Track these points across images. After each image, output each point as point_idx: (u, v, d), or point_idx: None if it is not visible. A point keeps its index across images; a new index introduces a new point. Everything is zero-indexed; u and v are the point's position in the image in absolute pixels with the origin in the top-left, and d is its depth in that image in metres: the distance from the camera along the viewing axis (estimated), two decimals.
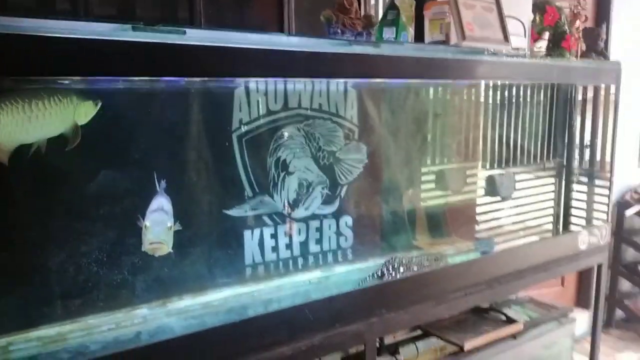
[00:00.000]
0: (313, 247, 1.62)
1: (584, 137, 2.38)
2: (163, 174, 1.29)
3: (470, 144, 1.99)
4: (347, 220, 1.68)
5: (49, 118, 1.10)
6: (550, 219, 2.35)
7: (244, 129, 1.46)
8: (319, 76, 1.51)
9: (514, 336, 2.01)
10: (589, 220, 2.36)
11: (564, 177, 2.39)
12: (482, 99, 2.00)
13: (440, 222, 1.98)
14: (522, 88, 2.09)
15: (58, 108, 1.11)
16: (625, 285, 4.04)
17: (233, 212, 1.46)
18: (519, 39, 2.07)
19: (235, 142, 1.45)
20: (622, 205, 3.80)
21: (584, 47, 2.32)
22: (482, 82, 1.95)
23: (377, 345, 1.67)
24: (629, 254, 3.99)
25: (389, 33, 1.84)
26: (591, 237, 2.22)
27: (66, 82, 1.11)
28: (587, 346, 2.47)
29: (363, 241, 1.72)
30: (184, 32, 1.17)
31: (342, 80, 1.61)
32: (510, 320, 2.06)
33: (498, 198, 2.08)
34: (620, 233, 3.84)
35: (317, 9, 1.67)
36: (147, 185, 1.27)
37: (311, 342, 1.41)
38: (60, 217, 1.21)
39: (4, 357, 1.11)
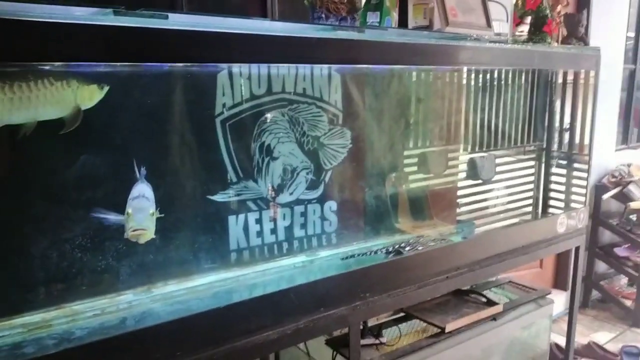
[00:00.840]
0: (298, 232, 1.63)
1: (564, 121, 2.42)
2: (145, 160, 1.28)
3: (452, 128, 2.00)
4: (331, 205, 1.69)
5: (38, 100, 1.08)
6: (530, 201, 2.39)
7: (227, 113, 1.45)
8: (302, 62, 1.50)
9: (494, 318, 2.05)
10: (567, 203, 2.40)
11: (543, 161, 2.42)
12: (464, 83, 2.01)
13: (423, 206, 2.00)
14: (503, 72, 2.11)
15: (49, 91, 1.09)
16: (601, 266, 4.15)
17: (217, 197, 1.46)
18: (502, 24, 2.08)
19: (218, 127, 1.44)
20: (599, 188, 3.88)
21: (564, 33, 2.34)
22: (465, 67, 1.96)
23: (361, 327, 1.69)
24: (606, 236, 4.09)
25: (373, 17, 1.84)
26: (569, 220, 2.26)
27: (47, 67, 1.09)
28: (564, 326, 2.53)
29: (347, 225, 1.74)
30: (167, 17, 1.16)
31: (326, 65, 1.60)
32: (490, 303, 2.11)
33: (479, 181, 2.11)
34: (598, 216, 3.92)
35: None
36: (130, 171, 1.26)
37: (296, 326, 1.43)
38: (43, 202, 1.19)
39: None
